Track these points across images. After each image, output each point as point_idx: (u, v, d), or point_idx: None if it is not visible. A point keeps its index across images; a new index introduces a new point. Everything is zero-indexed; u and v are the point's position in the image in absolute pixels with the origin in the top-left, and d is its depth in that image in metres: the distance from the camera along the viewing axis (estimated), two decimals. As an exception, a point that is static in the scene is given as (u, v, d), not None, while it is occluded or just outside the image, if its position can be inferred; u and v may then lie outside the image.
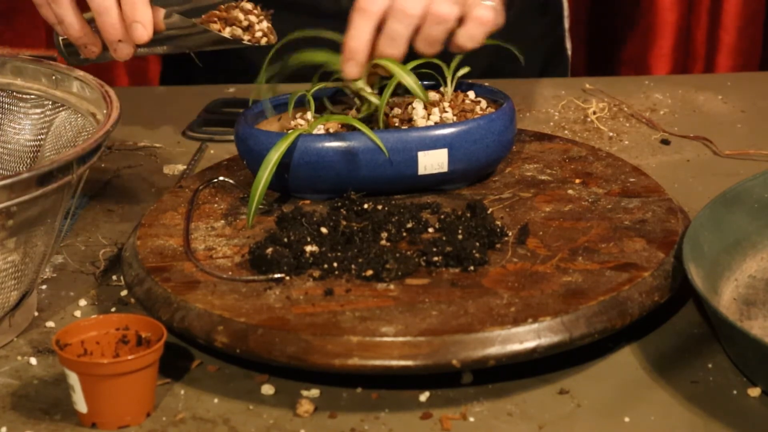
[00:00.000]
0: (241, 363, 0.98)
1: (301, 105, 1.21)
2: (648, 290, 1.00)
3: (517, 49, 1.21)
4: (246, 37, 1.19)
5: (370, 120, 1.16)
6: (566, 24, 1.67)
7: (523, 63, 1.21)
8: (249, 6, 1.20)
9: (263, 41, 1.20)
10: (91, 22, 1.18)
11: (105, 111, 1.06)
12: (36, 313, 1.06)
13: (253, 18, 1.19)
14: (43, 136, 1.15)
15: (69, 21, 1.17)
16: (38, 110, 1.15)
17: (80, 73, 1.12)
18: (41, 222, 0.99)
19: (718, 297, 1.03)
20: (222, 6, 1.20)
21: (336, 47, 1.15)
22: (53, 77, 1.14)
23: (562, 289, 0.99)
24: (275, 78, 1.17)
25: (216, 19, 1.19)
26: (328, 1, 1.47)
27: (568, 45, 1.68)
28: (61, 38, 1.21)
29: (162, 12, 1.18)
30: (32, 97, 1.15)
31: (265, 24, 1.20)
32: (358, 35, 1.14)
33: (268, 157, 1.09)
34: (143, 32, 1.15)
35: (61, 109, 1.13)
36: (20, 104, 1.16)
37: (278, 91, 1.20)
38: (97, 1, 1.14)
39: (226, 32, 1.18)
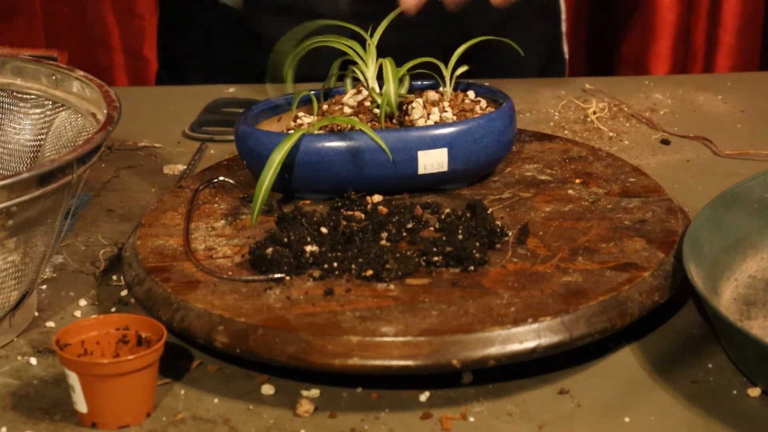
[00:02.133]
0: (241, 363, 0.98)
1: (301, 105, 1.21)
2: (648, 290, 1.00)
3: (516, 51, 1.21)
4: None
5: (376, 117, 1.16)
6: (563, 27, 1.67)
7: (522, 53, 1.21)
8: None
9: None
10: None
11: (105, 111, 1.05)
12: (36, 313, 1.06)
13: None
14: (43, 136, 1.15)
15: None
16: (38, 110, 1.15)
17: (80, 73, 1.12)
18: (41, 222, 0.99)
19: (718, 297, 1.03)
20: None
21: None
22: (53, 77, 1.13)
23: (562, 289, 0.99)
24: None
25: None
26: (326, 4, 1.47)
27: (565, 48, 1.68)
28: None
29: None
30: (32, 97, 1.15)
31: None
32: None
33: (272, 157, 1.09)
34: None
35: (61, 109, 1.13)
36: (20, 104, 1.16)
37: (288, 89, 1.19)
38: None
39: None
